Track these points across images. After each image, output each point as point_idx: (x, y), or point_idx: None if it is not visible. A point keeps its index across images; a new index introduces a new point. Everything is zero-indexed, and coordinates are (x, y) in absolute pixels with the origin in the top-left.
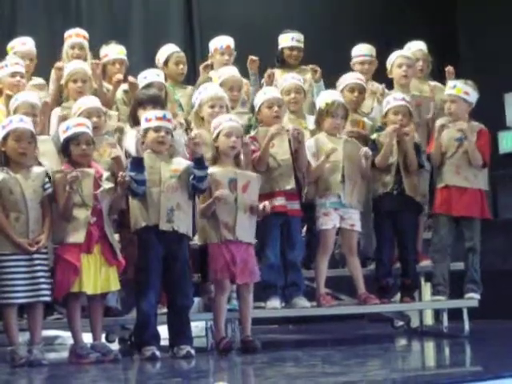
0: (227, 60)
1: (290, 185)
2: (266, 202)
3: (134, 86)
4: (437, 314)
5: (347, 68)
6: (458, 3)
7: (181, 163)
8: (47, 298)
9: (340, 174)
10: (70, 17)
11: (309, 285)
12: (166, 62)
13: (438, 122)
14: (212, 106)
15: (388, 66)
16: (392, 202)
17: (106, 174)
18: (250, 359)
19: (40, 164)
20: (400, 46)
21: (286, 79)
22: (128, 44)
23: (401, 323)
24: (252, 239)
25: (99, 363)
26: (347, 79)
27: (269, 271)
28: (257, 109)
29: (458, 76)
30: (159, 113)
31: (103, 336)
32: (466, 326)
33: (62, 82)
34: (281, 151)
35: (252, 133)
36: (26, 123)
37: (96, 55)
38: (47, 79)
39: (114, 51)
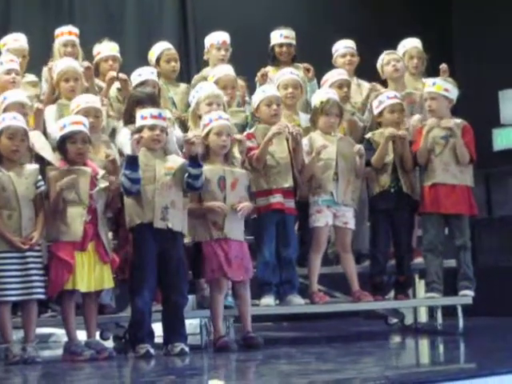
0: (223, 55)
1: (288, 183)
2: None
3: (125, 83)
4: (431, 311)
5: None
6: (453, 1)
7: (176, 161)
8: (40, 296)
9: (333, 171)
10: (63, 14)
11: (303, 282)
12: (157, 60)
13: (427, 122)
14: (209, 104)
15: (378, 68)
16: (389, 201)
17: (101, 173)
18: (244, 357)
19: (37, 159)
20: (394, 44)
21: (283, 73)
22: (122, 41)
23: (395, 320)
24: (242, 237)
25: (93, 361)
26: (333, 76)
27: (264, 268)
28: (255, 106)
29: (452, 73)
30: (155, 111)
31: (97, 333)
32: (460, 323)
33: (53, 81)
34: (279, 149)
35: (249, 130)
36: (19, 121)
37: (89, 53)
38: (40, 77)
39: (106, 48)
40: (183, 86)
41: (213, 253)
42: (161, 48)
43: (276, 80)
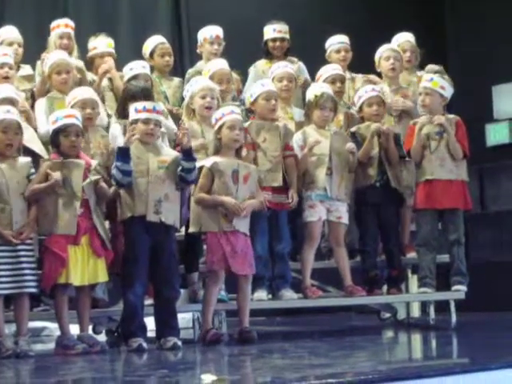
0: (216, 50)
1: (277, 182)
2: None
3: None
4: (424, 306)
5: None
6: None
7: (169, 154)
8: (32, 290)
9: (326, 166)
10: (58, 10)
11: (296, 277)
12: (151, 54)
13: (419, 119)
14: (203, 97)
15: (376, 59)
16: (375, 195)
17: (94, 164)
18: (237, 351)
19: (26, 152)
20: (388, 38)
21: (278, 66)
22: (115, 35)
23: (388, 315)
24: (248, 231)
25: (86, 354)
26: (327, 71)
27: (256, 263)
28: (253, 99)
29: (445, 69)
30: (149, 104)
31: (90, 327)
32: (453, 318)
33: (45, 73)
34: (272, 147)
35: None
36: (13, 114)
37: (83, 47)
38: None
39: (102, 44)
40: (176, 80)
41: (218, 244)
42: (155, 42)
43: (271, 73)
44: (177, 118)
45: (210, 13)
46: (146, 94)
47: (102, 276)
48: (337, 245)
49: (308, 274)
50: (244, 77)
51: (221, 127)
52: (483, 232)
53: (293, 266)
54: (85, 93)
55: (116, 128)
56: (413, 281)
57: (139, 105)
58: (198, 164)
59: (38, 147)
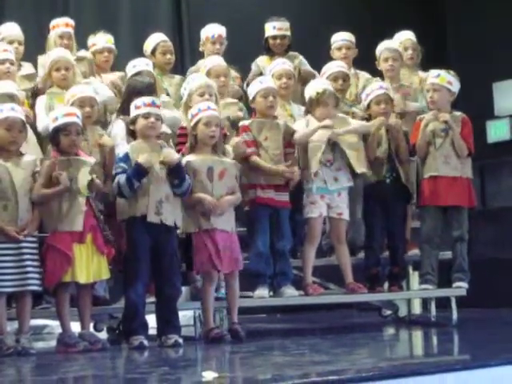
0: (218, 49)
1: (277, 180)
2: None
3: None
4: (425, 303)
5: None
6: None
7: (171, 154)
8: (35, 287)
9: (320, 154)
10: (58, 7)
11: (297, 274)
12: (153, 52)
13: (425, 115)
14: (201, 95)
15: (377, 56)
16: (384, 191)
17: (92, 162)
18: (238, 348)
19: None
20: (389, 36)
21: (277, 63)
22: (116, 33)
23: (389, 312)
24: (231, 227)
25: (87, 352)
26: (330, 68)
27: (257, 260)
28: (251, 97)
29: (446, 66)
30: (148, 99)
31: (91, 325)
32: (454, 315)
33: (46, 70)
34: (273, 145)
35: (245, 122)
36: (17, 112)
37: (83, 46)
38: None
39: (102, 40)
40: (178, 77)
41: (202, 244)
42: (156, 40)
43: (269, 70)
44: None
45: (211, 10)
46: (151, 90)
47: (105, 273)
48: (338, 242)
49: (309, 271)
50: (243, 74)
51: (197, 123)
52: (484, 229)
53: (293, 263)
54: (83, 91)
55: (119, 125)
56: (414, 278)
57: (138, 101)
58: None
59: (33, 148)
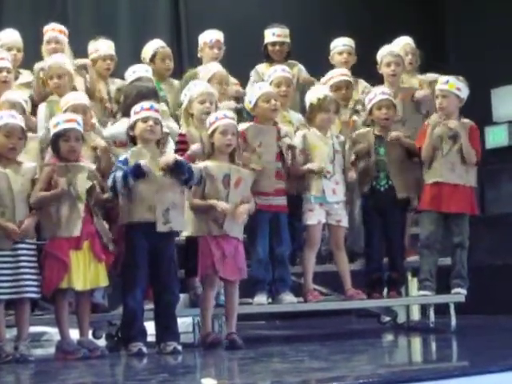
0: (216, 54)
1: (270, 188)
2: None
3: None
4: (423, 309)
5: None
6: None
7: (170, 160)
8: (32, 295)
9: (322, 176)
10: (56, 15)
11: (295, 280)
12: (152, 58)
13: (432, 119)
14: (202, 102)
15: (378, 61)
16: (380, 198)
17: (92, 169)
18: (237, 355)
19: None
20: (388, 41)
21: (275, 70)
22: (115, 40)
23: (387, 319)
24: (241, 235)
25: (86, 359)
26: (333, 76)
27: (257, 266)
28: (252, 104)
29: (445, 71)
30: (146, 104)
31: (90, 332)
32: (453, 322)
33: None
34: (267, 151)
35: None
36: (17, 119)
37: (82, 50)
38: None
39: (104, 46)
40: (177, 82)
41: (208, 249)
42: (155, 46)
43: (268, 77)
44: (178, 122)
45: (209, 16)
46: (155, 94)
47: (103, 280)
48: (337, 248)
49: (309, 278)
50: (242, 79)
51: (213, 132)
52: (483, 235)
53: (292, 269)
54: (76, 98)
55: (124, 122)
56: (413, 284)
57: (137, 106)
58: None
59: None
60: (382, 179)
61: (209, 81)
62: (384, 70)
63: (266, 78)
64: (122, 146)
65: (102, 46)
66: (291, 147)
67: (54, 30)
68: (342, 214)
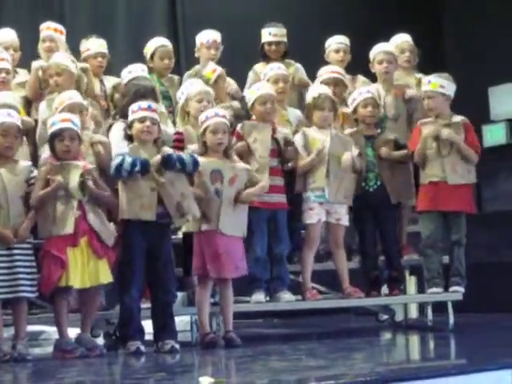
0: (213, 55)
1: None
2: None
3: None
4: (421, 307)
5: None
6: None
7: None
8: (27, 294)
9: (325, 167)
10: (54, 14)
11: (293, 279)
12: (151, 57)
13: (423, 121)
14: (199, 101)
15: (370, 59)
16: (370, 198)
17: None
18: (235, 353)
19: None
20: (386, 39)
21: (272, 68)
22: (111, 38)
23: (385, 317)
24: (239, 232)
25: (84, 358)
26: (322, 74)
27: (255, 264)
28: (250, 104)
29: (443, 70)
30: (144, 103)
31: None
32: (451, 320)
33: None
34: (261, 148)
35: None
36: (13, 117)
37: (76, 50)
38: None
39: (95, 45)
40: (177, 78)
41: (199, 248)
42: (155, 44)
43: (264, 75)
44: None
45: (206, 15)
46: (154, 94)
47: (105, 277)
48: (336, 247)
49: (308, 276)
50: (239, 78)
51: (205, 130)
52: (480, 233)
53: (290, 268)
54: (72, 97)
55: (118, 128)
56: (411, 282)
57: (134, 106)
58: None
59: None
60: (371, 179)
61: (217, 79)
62: (376, 68)
63: (262, 77)
64: None
65: (92, 45)
66: (288, 143)
67: (49, 29)
68: (342, 213)
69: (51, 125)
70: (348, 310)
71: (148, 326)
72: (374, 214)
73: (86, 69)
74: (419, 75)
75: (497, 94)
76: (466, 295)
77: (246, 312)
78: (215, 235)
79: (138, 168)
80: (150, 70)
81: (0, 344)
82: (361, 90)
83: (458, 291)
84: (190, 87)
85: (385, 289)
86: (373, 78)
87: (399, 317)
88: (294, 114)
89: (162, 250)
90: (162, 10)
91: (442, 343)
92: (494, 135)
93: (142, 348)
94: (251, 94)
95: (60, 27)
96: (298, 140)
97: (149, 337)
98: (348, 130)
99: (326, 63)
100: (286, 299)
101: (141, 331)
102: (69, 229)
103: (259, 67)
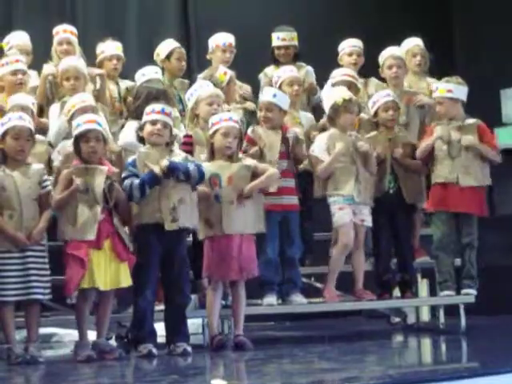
0: (228, 58)
1: (273, 188)
2: None
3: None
4: (433, 310)
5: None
6: (454, 0)
7: (176, 157)
8: (39, 296)
9: (354, 176)
10: (66, 16)
11: (305, 282)
12: (167, 57)
13: (437, 123)
14: (210, 104)
15: (380, 64)
16: (389, 200)
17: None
18: (247, 356)
19: None
20: (398, 43)
21: (284, 71)
22: (123, 41)
23: (397, 319)
24: (248, 229)
25: (100, 361)
26: (335, 76)
27: (266, 267)
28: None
29: (454, 73)
30: (157, 106)
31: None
32: (463, 322)
33: (58, 80)
34: (270, 153)
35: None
36: (25, 121)
37: (91, 52)
38: None
39: (111, 47)
40: (186, 81)
41: (207, 252)
42: (172, 45)
43: (277, 78)
44: None
45: (218, 18)
46: (167, 96)
47: (125, 280)
48: (356, 247)
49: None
50: (250, 81)
51: (215, 132)
52: (492, 235)
53: (302, 270)
54: (83, 100)
55: (132, 125)
56: (422, 285)
57: (148, 108)
58: None
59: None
60: (390, 182)
61: (230, 81)
62: (386, 73)
63: (275, 80)
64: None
65: (108, 47)
66: (298, 141)
67: (65, 32)
68: (366, 214)
69: (76, 126)
70: (359, 313)
71: (160, 328)
72: (391, 218)
73: (101, 74)
74: (431, 80)
75: (509, 96)
76: (478, 298)
77: (258, 315)
78: (220, 238)
79: (148, 186)
80: (163, 72)
81: (12, 346)
82: (381, 94)
83: (470, 294)
84: (200, 89)
85: (397, 291)
86: (383, 82)
87: (411, 319)
88: (306, 116)
89: (177, 253)
90: (174, 12)
91: (454, 346)
92: (506, 137)
93: (154, 351)
94: (260, 97)
95: (74, 30)
96: (320, 143)
97: (160, 339)
98: (370, 133)
99: (339, 66)
100: (298, 302)
101: (153, 334)
102: (91, 235)
103: (270, 70)
